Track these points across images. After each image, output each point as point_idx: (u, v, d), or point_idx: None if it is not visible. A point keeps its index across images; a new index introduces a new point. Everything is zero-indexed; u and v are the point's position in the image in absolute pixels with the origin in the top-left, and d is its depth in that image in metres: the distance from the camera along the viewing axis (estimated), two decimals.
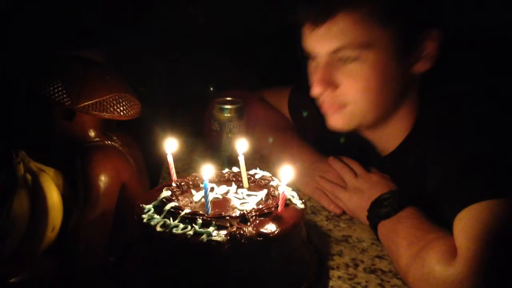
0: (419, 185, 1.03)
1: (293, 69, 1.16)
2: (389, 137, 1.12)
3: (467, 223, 0.85)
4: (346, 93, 1.03)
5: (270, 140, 1.44)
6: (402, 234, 0.95)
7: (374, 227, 1.04)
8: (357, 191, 1.14)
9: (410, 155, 1.08)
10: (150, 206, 0.88)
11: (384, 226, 1.01)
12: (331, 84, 1.03)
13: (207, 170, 0.89)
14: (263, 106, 1.56)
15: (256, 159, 1.47)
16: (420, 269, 0.87)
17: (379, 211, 1.03)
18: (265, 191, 0.95)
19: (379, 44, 0.98)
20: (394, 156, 1.13)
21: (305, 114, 1.39)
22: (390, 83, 1.02)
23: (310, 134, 1.39)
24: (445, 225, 0.92)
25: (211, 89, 1.84)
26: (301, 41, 1.07)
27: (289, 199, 0.92)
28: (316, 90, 1.04)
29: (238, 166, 1.01)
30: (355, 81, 1.01)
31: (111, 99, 1.02)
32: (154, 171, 1.35)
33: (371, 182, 1.12)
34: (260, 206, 0.87)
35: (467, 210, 0.85)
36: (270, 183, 0.98)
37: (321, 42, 1.02)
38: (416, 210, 1.00)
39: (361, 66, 1.00)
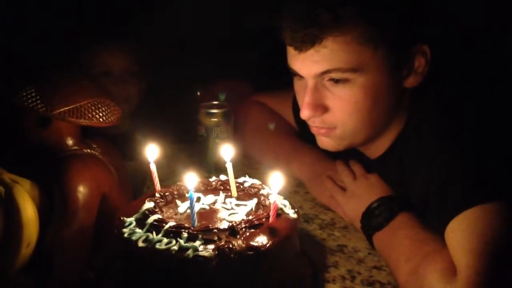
0: (406, 189, 0.99)
1: (282, 71, 1.10)
2: (378, 147, 1.08)
3: (460, 236, 0.79)
4: (336, 116, 0.98)
5: (262, 144, 1.38)
6: (398, 249, 0.91)
7: (368, 238, 1.00)
8: (353, 195, 1.10)
9: (396, 160, 1.04)
10: (131, 219, 0.82)
11: (379, 239, 0.98)
12: (320, 107, 0.98)
13: (191, 179, 0.83)
14: (263, 110, 1.48)
15: (246, 165, 1.40)
16: (420, 287, 0.82)
17: (371, 222, 0.99)
18: (255, 200, 0.90)
19: (369, 66, 0.93)
20: (381, 160, 1.09)
21: None
22: (382, 102, 0.97)
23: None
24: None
25: (198, 93, 1.77)
26: (287, 59, 1.01)
27: (281, 209, 0.86)
28: (305, 114, 0.99)
29: (226, 174, 0.95)
30: (344, 104, 0.96)
31: (89, 105, 0.96)
32: (139, 179, 1.29)
33: (367, 185, 1.08)
34: (250, 217, 0.81)
35: (457, 221, 0.80)
36: (261, 192, 0.92)
37: (308, 64, 0.96)
38: (409, 217, 0.95)
39: (351, 88, 0.95)
